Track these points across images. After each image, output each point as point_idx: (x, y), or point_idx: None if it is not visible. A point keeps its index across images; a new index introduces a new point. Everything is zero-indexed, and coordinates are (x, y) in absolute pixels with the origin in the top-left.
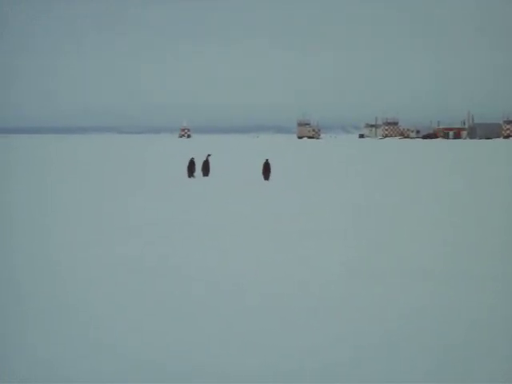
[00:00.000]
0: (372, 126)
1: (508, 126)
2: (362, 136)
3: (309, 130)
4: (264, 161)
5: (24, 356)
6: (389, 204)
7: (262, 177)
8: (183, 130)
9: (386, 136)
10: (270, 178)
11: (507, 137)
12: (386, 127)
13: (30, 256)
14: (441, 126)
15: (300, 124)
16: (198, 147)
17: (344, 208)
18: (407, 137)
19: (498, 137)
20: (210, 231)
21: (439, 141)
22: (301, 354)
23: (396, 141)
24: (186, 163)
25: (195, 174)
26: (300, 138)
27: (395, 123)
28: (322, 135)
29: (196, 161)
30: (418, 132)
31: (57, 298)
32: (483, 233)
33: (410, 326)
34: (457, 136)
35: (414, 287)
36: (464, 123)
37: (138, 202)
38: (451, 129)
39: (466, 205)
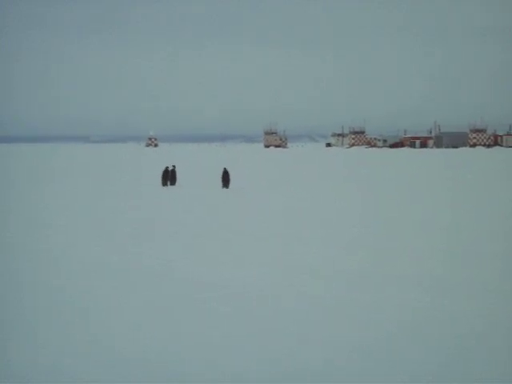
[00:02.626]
0: (339, 135)
1: (474, 135)
2: (328, 145)
3: (276, 139)
4: (223, 169)
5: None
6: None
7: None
8: (150, 139)
9: (353, 145)
10: (230, 186)
11: (473, 145)
12: (353, 136)
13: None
14: (407, 135)
15: (267, 133)
16: (165, 156)
17: (300, 213)
18: (374, 146)
19: (465, 146)
20: (173, 233)
21: (405, 150)
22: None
23: (362, 150)
24: (154, 172)
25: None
26: (267, 146)
27: (362, 132)
28: (288, 144)
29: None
30: (384, 141)
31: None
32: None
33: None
34: (423, 145)
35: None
36: (430, 132)
37: (112, 206)
38: (418, 138)
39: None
